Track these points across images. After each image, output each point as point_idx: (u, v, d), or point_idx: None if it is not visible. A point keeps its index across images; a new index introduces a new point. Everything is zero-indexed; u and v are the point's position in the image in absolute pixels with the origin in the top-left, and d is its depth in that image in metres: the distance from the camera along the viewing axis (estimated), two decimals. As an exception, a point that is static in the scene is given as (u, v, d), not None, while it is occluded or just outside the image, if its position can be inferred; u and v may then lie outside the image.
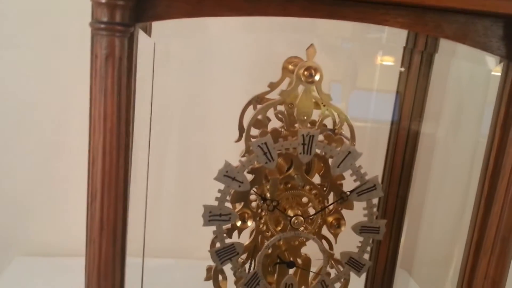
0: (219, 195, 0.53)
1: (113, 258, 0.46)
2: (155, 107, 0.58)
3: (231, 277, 0.58)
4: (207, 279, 0.66)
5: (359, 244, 0.57)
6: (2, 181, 1.09)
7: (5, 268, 1.05)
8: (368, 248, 0.57)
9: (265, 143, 0.52)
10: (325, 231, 0.58)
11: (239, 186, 0.53)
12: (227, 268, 0.57)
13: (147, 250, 0.65)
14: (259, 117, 0.55)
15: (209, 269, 0.66)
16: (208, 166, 0.56)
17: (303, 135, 0.52)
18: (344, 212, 0.57)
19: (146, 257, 0.64)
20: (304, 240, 0.57)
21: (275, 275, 0.58)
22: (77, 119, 1.01)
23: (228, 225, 0.55)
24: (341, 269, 0.57)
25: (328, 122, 0.57)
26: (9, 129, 1.06)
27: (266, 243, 0.55)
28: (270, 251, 0.57)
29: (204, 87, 0.91)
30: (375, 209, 0.56)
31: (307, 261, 0.58)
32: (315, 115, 0.55)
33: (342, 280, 0.58)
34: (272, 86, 0.60)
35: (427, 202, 0.86)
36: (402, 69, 0.61)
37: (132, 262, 0.54)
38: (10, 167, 1.09)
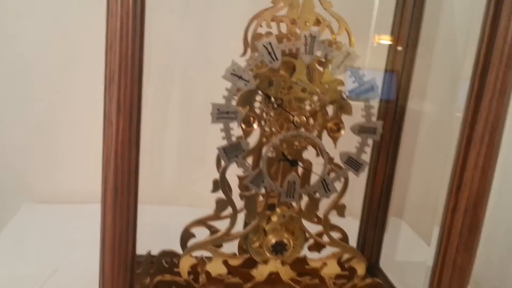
0: (226, 94, 0.56)
1: (129, 139, 0.50)
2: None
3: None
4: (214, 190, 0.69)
5: (358, 145, 0.61)
6: (10, 129, 1.13)
7: (14, 215, 1.08)
8: (366, 149, 0.61)
9: (270, 43, 0.55)
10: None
11: (245, 85, 0.56)
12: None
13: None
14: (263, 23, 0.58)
15: (215, 181, 0.70)
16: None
17: (305, 35, 0.56)
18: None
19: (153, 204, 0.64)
20: (306, 142, 0.61)
21: (279, 174, 0.61)
22: (81, 68, 1.05)
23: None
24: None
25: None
26: (16, 77, 1.09)
27: (271, 140, 0.59)
28: (274, 154, 0.60)
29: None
30: (372, 110, 0.59)
31: (308, 163, 0.62)
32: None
33: (341, 179, 0.62)
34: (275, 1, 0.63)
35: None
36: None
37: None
38: (18, 115, 1.12)
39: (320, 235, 0.68)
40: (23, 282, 0.83)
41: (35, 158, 1.15)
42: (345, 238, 0.70)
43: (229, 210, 0.63)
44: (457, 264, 0.59)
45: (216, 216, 0.72)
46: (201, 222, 0.72)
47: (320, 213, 0.65)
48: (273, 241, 0.64)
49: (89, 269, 0.69)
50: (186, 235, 0.70)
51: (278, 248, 0.64)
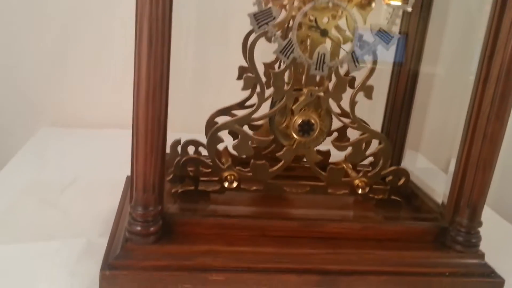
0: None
1: None
2: None
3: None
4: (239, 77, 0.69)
5: (388, 16, 0.60)
6: (28, 56, 1.12)
7: (30, 138, 1.08)
8: (397, 21, 0.60)
9: None
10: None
11: None
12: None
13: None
14: None
15: (240, 67, 0.70)
16: None
17: None
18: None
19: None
20: (336, 13, 0.60)
21: (308, 44, 0.61)
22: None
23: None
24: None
25: None
26: (32, 5, 1.08)
27: (302, 9, 0.58)
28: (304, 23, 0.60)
29: None
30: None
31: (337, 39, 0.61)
32: None
33: (370, 54, 0.61)
34: None
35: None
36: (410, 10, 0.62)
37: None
38: (36, 42, 1.12)
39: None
40: (45, 187, 0.83)
41: (52, 84, 1.16)
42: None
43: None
44: (488, 134, 0.58)
45: (240, 105, 0.72)
46: (226, 111, 0.72)
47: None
48: (300, 120, 0.63)
49: (107, 179, 0.69)
50: (210, 125, 0.70)
51: (305, 128, 0.64)
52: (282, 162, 0.66)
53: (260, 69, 0.65)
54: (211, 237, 0.60)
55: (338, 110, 0.68)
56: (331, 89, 0.64)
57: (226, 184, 0.65)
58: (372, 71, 0.64)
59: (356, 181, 0.69)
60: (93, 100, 1.15)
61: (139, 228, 0.56)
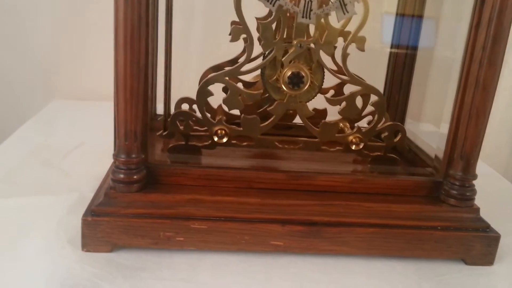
0: None
1: None
2: None
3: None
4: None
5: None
6: (40, 29, 1.15)
7: (41, 110, 1.10)
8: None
9: None
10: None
11: None
12: None
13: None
14: None
15: (233, 22, 0.68)
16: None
17: None
18: None
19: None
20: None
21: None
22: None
23: None
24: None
25: None
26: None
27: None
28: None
29: None
30: None
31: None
32: None
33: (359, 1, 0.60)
34: None
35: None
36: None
37: None
38: (49, 16, 1.14)
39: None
40: (50, 150, 0.85)
41: (62, 58, 1.18)
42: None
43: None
44: (480, 80, 0.56)
45: (233, 62, 0.71)
46: (219, 67, 0.71)
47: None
48: (290, 72, 0.62)
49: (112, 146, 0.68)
50: (203, 91, 0.68)
51: (295, 81, 0.63)
52: (273, 117, 0.65)
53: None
54: (197, 188, 0.59)
55: (334, 67, 0.67)
56: (322, 40, 0.62)
57: (216, 139, 0.65)
58: (364, 20, 0.63)
59: (351, 137, 0.67)
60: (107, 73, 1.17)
61: (122, 175, 0.56)
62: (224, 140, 0.65)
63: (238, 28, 0.62)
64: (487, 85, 0.56)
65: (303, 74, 0.63)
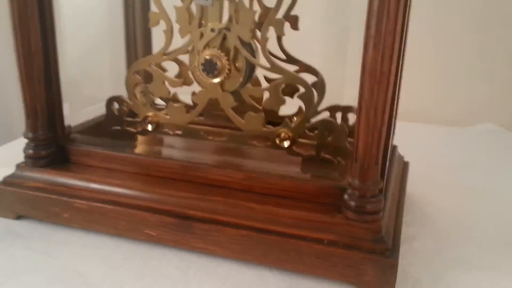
0: None
1: None
2: None
3: None
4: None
5: None
6: None
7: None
8: None
9: None
10: None
11: None
12: None
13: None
14: None
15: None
16: None
17: None
18: None
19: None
20: None
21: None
22: None
23: None
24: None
25: None
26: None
27: None
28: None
29: None
30: None
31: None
32: None
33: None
34: None
35: None
36: None
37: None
38: None
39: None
40: None
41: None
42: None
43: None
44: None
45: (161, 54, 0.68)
46: (146, 61, 0.69)
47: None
48: (202, 59, 0.60)
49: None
50: (131, 77, 0.67)
51: (208, 67, 0.59)
52: (198, 105, 0.63)
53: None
54: (97, 169, 0.61)
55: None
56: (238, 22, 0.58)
57: (144, 125, 0.65)
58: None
59: (281, 133, 0.61)
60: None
61: (31, 151, 0.61)
62: (150, 127, 0.65)
63: (155, 14, 0.61)
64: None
65: (216, 61, 0.59)
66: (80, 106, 0.74)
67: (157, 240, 0.56)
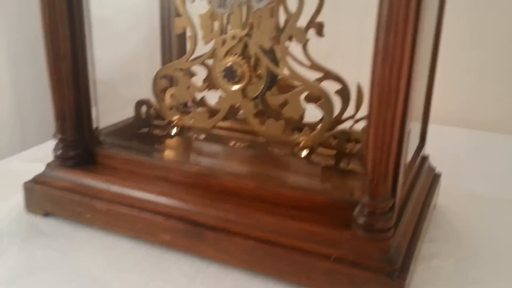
0: None
1: None
2: None
3: None
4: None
5: None
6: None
7: None
8: None
9: None
10: None
11: None
12: None
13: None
14: None
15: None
16: None
17: None
18: None
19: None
20: None
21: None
22: None
23: None
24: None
25: None
26: None
27: None
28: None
29: None
30: None
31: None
32: None
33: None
34: None
35: None
36: None
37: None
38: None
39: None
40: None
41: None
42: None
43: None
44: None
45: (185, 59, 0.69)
46: (171, 67, 0.70)
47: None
48: (224, 65, 0.60)
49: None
50: (157, 81, 0.68)
51: (228, 74, 0.60)
52: (220, 111, 0.63)
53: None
54: (120, 172, 0.63)
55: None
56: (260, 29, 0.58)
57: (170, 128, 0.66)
58: (321, 5, 0.56)
59: (301, 141, 0.60)
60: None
61: (59, 151, 0.64)
62: (174, 130, 0.66)
63: (180, 20, 0.62)
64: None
65: (236, 68, 0.59)
66: (115, 108, 0.76)
67: (171, 244, 0.57)
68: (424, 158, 0.69)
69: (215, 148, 0.68)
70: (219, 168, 0.60)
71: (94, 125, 0.66)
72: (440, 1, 0.62)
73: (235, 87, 0.60)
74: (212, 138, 0.64)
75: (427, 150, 0.69)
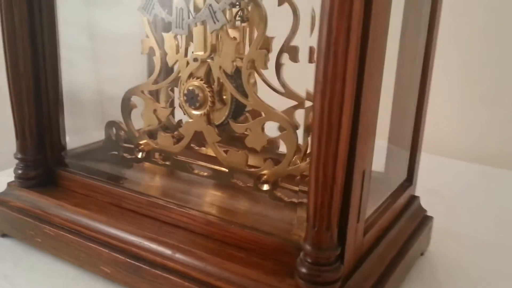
0: None
1: None
2: None
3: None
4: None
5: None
6: None
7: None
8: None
9: None
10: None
11: None
12: None
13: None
14: None
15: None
16: None
17: None
18: None
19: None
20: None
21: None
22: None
23: None
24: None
25: None
26: None
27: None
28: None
29: None
30: None
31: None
32: None
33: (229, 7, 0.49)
34: None
35: None
36: None
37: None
38: None
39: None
40: None
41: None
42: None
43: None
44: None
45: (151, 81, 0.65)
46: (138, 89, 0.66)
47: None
48: (186, 89, 0.56)
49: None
50: (125, 103, 0.65)
51: (189, 98, 0.56)
52: (184, 137, 0.59)
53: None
54: (76, 195, 0.60)
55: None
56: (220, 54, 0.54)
57: (136, 152, 0.63)
58: (294, 31, 0.52)
59: (264, 175, 0.55)
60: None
61: (19, 171, 0.62)
62: (140, 155, 0.63)
63: (147, 40, 0.59)
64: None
65: (198, 92, 0.56)
66: (92, 128, 0.74)
67: (112, 278, 0.53)
68: (413, 198, 0.63)
69: (178, 175, 0.64)
70: (172, 199, 0.55)
71: (62, 145, 0.63)
72: (429, 27, 0.56)
73: (197, 112, 0.56)
74: (177, 164, 0.60)
75: (431, 184, 0.62)
